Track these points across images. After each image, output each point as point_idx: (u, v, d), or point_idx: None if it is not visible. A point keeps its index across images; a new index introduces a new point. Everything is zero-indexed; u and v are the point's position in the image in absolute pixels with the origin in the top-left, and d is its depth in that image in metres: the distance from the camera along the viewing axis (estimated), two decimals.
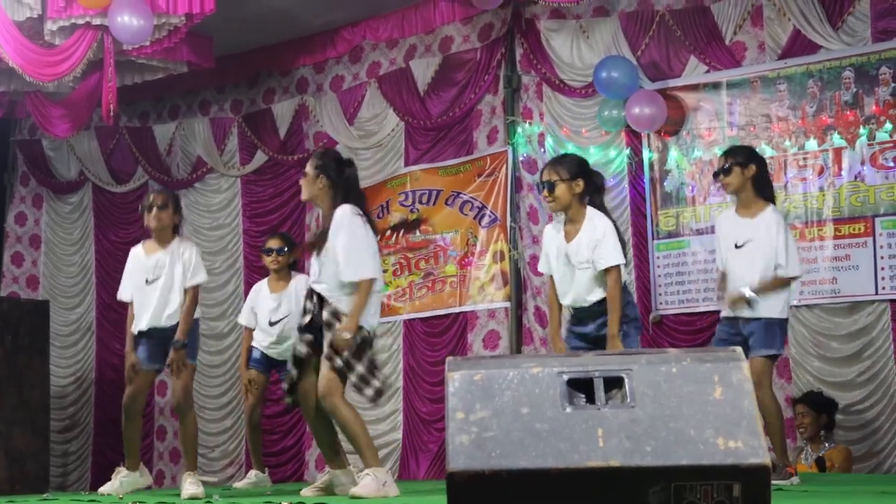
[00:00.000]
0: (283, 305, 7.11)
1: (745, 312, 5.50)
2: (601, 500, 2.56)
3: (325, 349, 5.09)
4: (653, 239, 7.49)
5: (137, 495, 5.90)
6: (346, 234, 5.13)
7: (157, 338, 5.91)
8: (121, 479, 6.04)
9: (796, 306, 6.76)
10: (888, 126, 6.71)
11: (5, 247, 10.40)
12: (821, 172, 6.94)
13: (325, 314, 5.13)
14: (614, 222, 5.36)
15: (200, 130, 9.74)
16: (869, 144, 6.77)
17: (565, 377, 2.71)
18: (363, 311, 5.09)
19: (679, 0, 7.53)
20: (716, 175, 5.79)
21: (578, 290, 5.28)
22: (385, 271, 8.03)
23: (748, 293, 5.46)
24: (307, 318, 5.23)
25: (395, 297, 8.56)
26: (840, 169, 6.85)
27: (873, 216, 6.72)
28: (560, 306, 5.44)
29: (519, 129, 8.10)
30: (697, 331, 7.20)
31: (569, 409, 2.65)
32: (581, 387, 2.71)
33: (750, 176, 5.59)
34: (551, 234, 5.45)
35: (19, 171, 10.55)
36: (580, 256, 5.24)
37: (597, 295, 5.24)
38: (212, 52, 8.52)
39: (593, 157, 7.54)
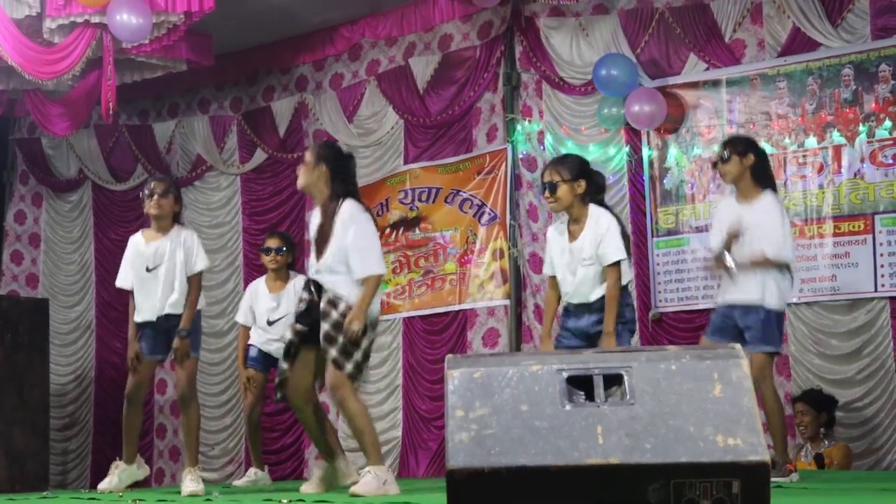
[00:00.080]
0: (283, 305, 7.10)
1: (736, 297, 5.47)
2: (601, 498, 2.57)
3: (322, 341, 5.09)
4: (652, 236, 7.49)
5: (137, 493, 5.90)
6: (358, 229, 5.14)
7: (161, 328, 5.88)
8: (118, 474, 6.03)
9: (796, 303, 6.77)
10: (888, 123, 6.71)
11: (5, 245, 10.38)
12: (820, 170, 6.93)
13: (323, 303, 5.14)
14: (618, 218, 5.39)
15: (200, 128, 9.72)
16: (868, 142, 6.77)
17: (565, 374, 2.71)
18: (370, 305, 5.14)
19: None
20: (714, 164, 5.80)
21: (582, 287, 5.31)
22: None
23: (729, 260, 5.46)
24: (302, 306, 5.25)
25: (395, 295, 8.55)
26: (840, 166, 6.86)
27: (873, 213, 6.72)
28: (556, 309, 5.48)
29: (518, 127, 8.10)
30: (697, 328, 7.17)
31: (568, 407, 2.65)
32: (580, 384, 2.71)
33: (748, 165, 5.57)
34: (554, 236, 5.50)
35: (19, 170, 10.54)
36: (585, 253, 5.27)
37: (599, 292, 5.27)
38: (211, 50, 8.51)
39: (593, 154, 7.53)
